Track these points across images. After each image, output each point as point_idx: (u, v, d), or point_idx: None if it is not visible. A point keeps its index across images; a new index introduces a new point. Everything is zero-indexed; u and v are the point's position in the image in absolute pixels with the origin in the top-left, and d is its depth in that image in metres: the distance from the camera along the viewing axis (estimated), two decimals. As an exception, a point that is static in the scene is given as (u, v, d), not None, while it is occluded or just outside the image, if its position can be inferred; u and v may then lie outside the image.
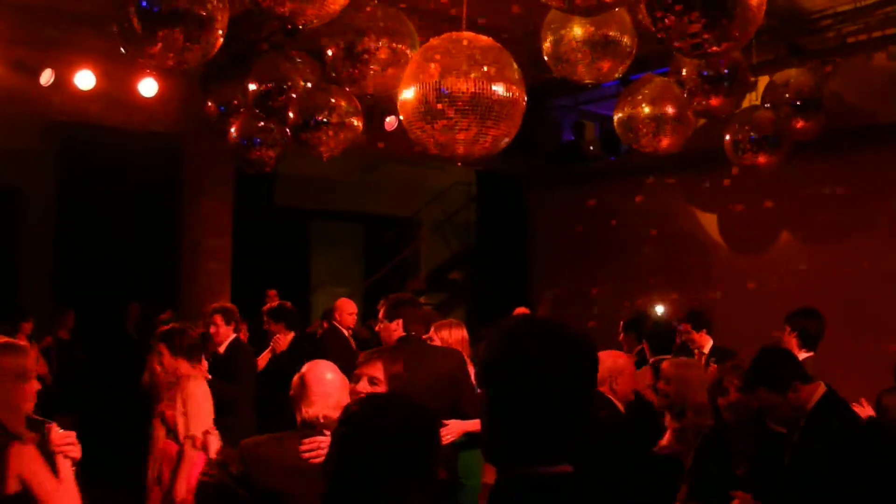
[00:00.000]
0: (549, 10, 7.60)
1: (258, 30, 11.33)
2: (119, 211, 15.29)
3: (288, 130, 9.78)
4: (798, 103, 11.30)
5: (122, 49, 6.55)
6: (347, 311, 11.86)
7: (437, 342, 8.49)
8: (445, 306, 20.28)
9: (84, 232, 15.66)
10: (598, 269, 15.88)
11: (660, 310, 11.83)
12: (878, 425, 6.42)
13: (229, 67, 11.78)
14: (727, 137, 10.96)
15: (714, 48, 6.00)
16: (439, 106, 5.75)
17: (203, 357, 9.61)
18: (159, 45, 6.34)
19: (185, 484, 7.06)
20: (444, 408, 6.64)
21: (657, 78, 9.90)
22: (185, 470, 7.14)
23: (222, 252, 13.95)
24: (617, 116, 9.76)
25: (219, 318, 9.86)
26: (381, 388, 5.48)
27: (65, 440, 5.07)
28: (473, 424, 6.96)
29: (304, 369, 5.19)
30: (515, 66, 5.99)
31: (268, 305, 12.60)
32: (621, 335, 9.81)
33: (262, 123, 10.91)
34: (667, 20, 5.88)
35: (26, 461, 4.77)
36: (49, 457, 4.90)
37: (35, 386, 5.02)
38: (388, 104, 10.28)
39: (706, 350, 10.06)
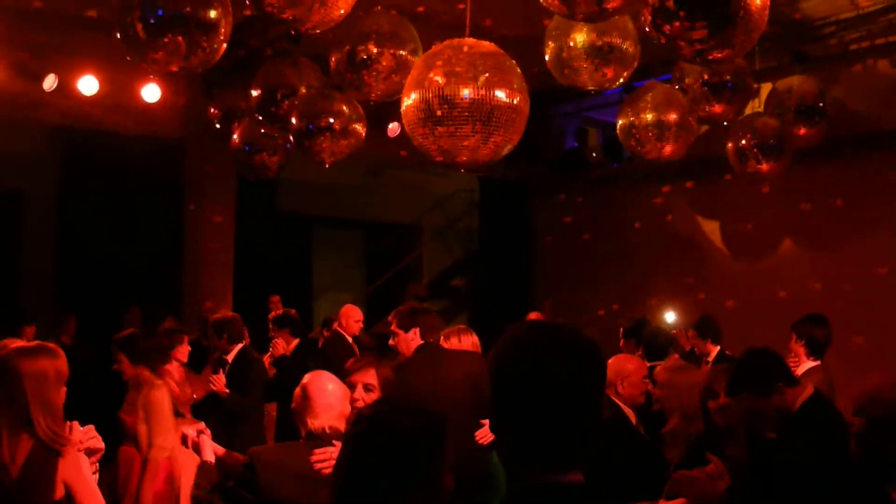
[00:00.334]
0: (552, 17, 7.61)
1: (262, 35, 11.34)
2: (121, 215, 15.27)
3: (290, 136, 9.78)
4: (801, 110, 11.31)
5: (125, 54, 6.55)
6: (354, 318, 11.81)
7: None
8: (448, 313, 20.25)
9: (86, 236, 15.64)
10: (601, 276, 15.87)
11: (662, 316, 11.83)
12: None
13: (232, 73, 11.79)
14: (730, 144, 10.97)
15: (717, 55, 6.00)
16: (441, 112, 5.75)
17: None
18: (163, 50, 6.34)
19: (150, 493, 7.06)
20: (473, 410, 6.59)
21: (660, 85, 9.90)
22: (149, 478, 7.12)
23: (224, 257, 13.95)
24: (620, 123, 9.76)
25: (211, 334, 9.89)
26: (376, 395, 5.49)
27: (87, 436, 5.10)
28: None
29: (304, 381, 5.18)
30: (519, 72, 5.99)
31: (273, 313, 12.63)
32: (622, 341, 9.80)
33: (265, 129, 10.91)
34: (670, 27, 5.88)
35: (71, 467, 4.79)
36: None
37: (64, 390, 5.04)
38: (392, 110, 10.30)
39: (711, 358, 10.09)
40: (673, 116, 9.48)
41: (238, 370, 9.60)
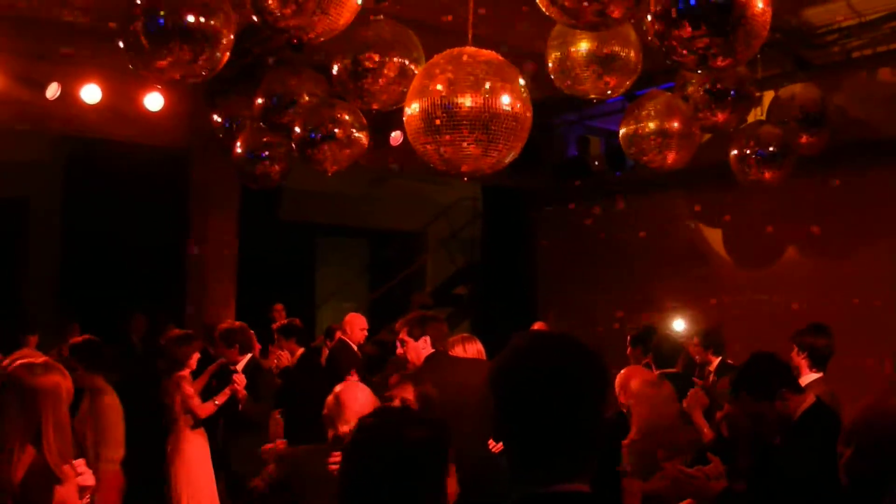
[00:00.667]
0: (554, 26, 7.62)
1: (264, 44, 11.35)
2: (125, 223, 15.29)
3: (293, 145, 9.79)
4: (803, 118, 11.30)
5: (128, 63, 6.56)
6: (359, 326, 11.78)
7: None
8: (451, 321, 20.24)
9: (90, 244, 15.67)
10: (604, 284, 15.87)
11: (669, 325, 11.82)
12: None
13: (235, 82, 11.80)
14: (732, 152, 10.97)
15: (719, 63, 6.00)
16: (444, 121, 5.75)
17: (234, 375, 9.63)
18: (166, 59, 6.35)
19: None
20: (489, 418, 6.55)
21: (662, 93, 9.91)
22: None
23: (228, 266, 13.95)
24: (622, 132, 9.76)
25: (220, 344, 9.89)
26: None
27: (77, 470, 5.05)
28: None
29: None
30: (521, 81, 5.99)
31: (277, 322, 12.63)
32: (629, 349, 9.80)
33: (268, 138, 10.92)
34: (672, 35, 5.88)
35: (68, 501, 4.76)
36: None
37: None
38: (395, 119, 10.31)
39: (712, 367, 10.11)
40: (675, 125, 9.48)
41: (249, 379, 9.58)
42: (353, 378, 9.49)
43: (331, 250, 21.41)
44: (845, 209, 12.64)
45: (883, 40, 11.93)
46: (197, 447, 9.32)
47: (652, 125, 9.48)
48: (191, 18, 6.27)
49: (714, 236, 14.67)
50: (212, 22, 6.35)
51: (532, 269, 17.75)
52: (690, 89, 10.12)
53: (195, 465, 9.27)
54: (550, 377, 2.61)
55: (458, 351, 7.80)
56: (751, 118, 11.00)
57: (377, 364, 9.96)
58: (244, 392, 9.35)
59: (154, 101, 12.39)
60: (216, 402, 9.33)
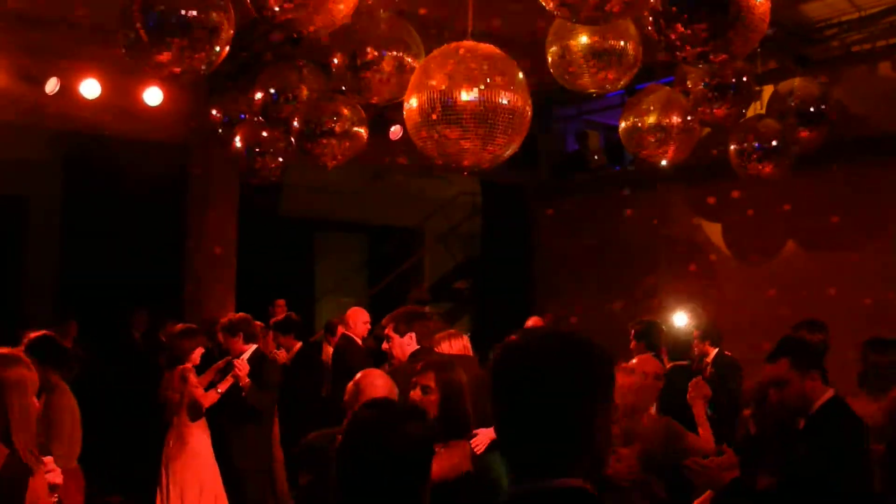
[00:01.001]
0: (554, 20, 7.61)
1: (264, 39, 11.35)
2: (124, 219, 15.29)
3: (292, 140, 9.78)
4: (802, 112, 11.31)
5: (127, 58, 6.56)
6: (361, 319, 11.71)
7: None
8: (449, 316, 20.28)
9: (89, 240, 15.65)
10: (603, 279, 15.87)
11: (675, 318, 11.81)
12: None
13: (235, 77, 11.80)
14: (732, 147, 10.97)
15: (718, 57, 6.01)
16: (443, 115, 5.75)
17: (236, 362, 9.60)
18: (165, 54, 6.35)
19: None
20: (475, 418, 6.55)
21: (662, 87, 9.91)
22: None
23: (227, 261, 13.95)
24: (622, 126, 9.76)
25: (224, 335, 9.87)
26: (434, 397, 5.55)
27: (46, 468, 5.00)
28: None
29: (358, 377, 5.67)
30: (521, 75, 5.99)
31: (274, 318, 12.62)
32: (633, 343, 9.79)
33: (267, 133, 10.92)
34: (671, 29, 5.89)
35: (40, 492, 4.73)
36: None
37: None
38: (394, 113, 10.31)
39: (709, 359, 10.16)
40: (675, 119, 9.48)
41: (254, 369, 9.56)
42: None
43: (330, 245, 21.40)
44: (845, 203, 12.65)
45: (882, 35, 11.96)
46: (200, 440, 9.31)
47: (651, 119, 9.49)
48: (190, 13, 6.27)
49: (713, 230, 14.68)
50: (211, 16, 6.35)
51: (530, 264, 17.76)
52: (690, 84, 10.12)
53: (200, 457, 9.26)
54: (550, 377, 2.62)
55: (444, 347, 7.76)
56: (750, 113, 11.00)
57: (378, 357, 9.95)
58: (247, 380, 9.32)
59: (153, 96, 12.38)
60: (219, 391, 9.32)
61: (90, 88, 11.86)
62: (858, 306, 11.92)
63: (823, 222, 12.92)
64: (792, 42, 11.99)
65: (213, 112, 12.18)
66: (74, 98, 11.88)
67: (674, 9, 5.82)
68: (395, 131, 13.16)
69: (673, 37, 5.94)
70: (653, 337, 9.45)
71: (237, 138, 11.25)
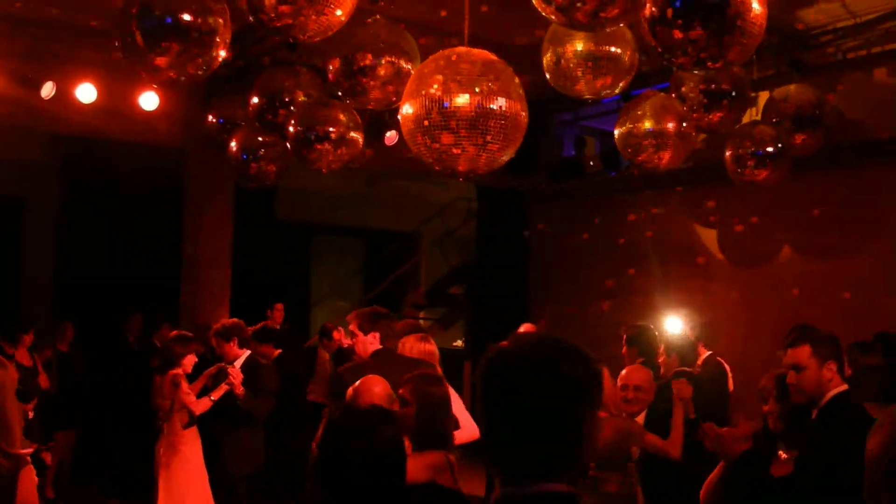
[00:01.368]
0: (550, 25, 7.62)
1: (260, 44, 11.35)
2: (121, 222, 15.32)
3: (288, 145, 9.78)
4: (798, 119, 11.32)
5: (124, 62, 6.56)
6: None
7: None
8: (445, 320, 20.31)
9: (85, 243, 15.68)
10: (599, 284, 15.87)
11: (665, 323, 11.82)
12: None
13: (231, 81, 11.80)
14: (728, 153, 10.97)
15: (715, 64, 6.02)
16: (439, 121, 5.75)
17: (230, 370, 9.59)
18: (161, 58, 6.35)
19: None
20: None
21: (658, 93, 9.91)
22: None
23: (223, 265, 13.94)
24: (618, 132, 9.76)
25: (218, 340, 9.85)
26: (411, 409, 5.66)
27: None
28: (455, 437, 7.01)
29: (357, 384, 5.88)
30: (517, 81, 5.99)
31: (271, 322, 12.62)
32: (624, 348, 9.79)
33: (263, 137, 10.92)
34: (667, 36, 5.90)
35: (28, 484, 4.77)
36: None
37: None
38: (390, 118, 10.31)
39: (700, 361, 10.22)
40: (671, 125, 9.47)
41: (248, 376, 9.56)
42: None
43: (326, 250, 21.44)
44: (841, 209, 12.65)
45: (878, 41, 11.96)
46: (191, 446, 9.30)
47: (647, 125, 9.48)
48: (187, 17, 6.27)
49: (709, 236, 14.68)
50: (208, 21, 6.35)
51: (527, 269, 17.75)
52: (685, 90, 10.13)
53: (191, 464, 9.25)
54: (536, 379, 2.63)
55: (405, 350, 7.84)
56: (746, 118, 11.01)
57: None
58: (241, 388, 9.32)
59: (149, 100, 12.38)
60: (212, 398, 9.31)
61: (86, 92, 11.86)
62: (853, 312, 11.92)
63: (819, 228, 12.93)
64: (788, 48, 11.99)
65: (210, 116, 12.18)
66: (70, 102, 11.88)
67: (670, 15, 5.82)
68: (391, 137, 13.17)
69: (669, 43, 5.95)
70: (645, 342, 9.44)
71: (233, 143, 11.25)
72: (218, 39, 6.42)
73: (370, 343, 7.38)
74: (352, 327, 7.50)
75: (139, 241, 15.25)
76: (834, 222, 12.72)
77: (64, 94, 11.81)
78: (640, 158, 9.71)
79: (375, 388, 5.76)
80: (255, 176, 11.25)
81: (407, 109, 5.97)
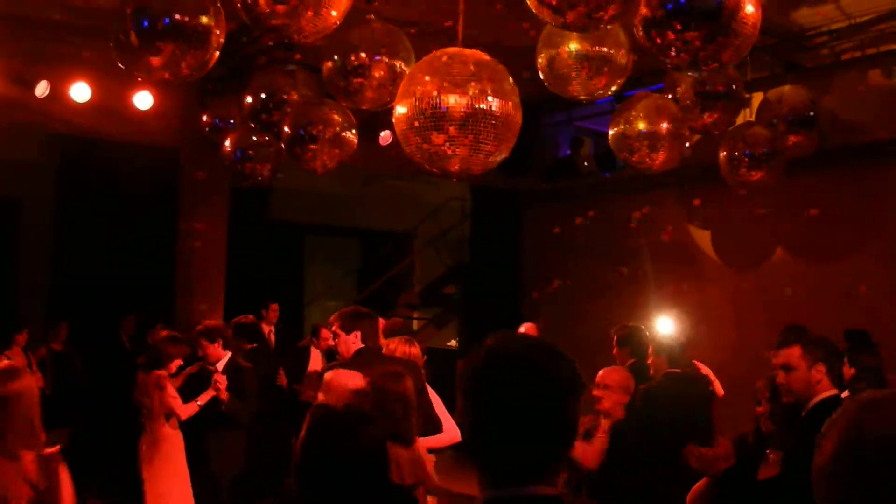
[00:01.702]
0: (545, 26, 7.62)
1: (255, 44, 11.35)
2: (116, 222, 15.31)
3: (283, 145, 9.78)
4: (792, 120, 11.34)
5: (118, 62, 6.55)
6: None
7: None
8: (439, 320, 20.31)
9: (81, 243, 15.67)
10: (592, 285, 15.88)
11: (663, 324, 11.80)
12: None
13: (226, 81, 11.80)
14: (722, 154, 10.99)
15: (709, 65, 6.02)
16: (433, 121, 5.75)
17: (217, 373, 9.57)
18: (156, 58, 6.34)
19: None
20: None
21: (652, 94, 9.91)
22: None
23: (217, 265, 13.92)
24: (612, 133, 9.76)
25: (203, 341, 9.80)
26: (367, 403, 5.66)
27: None
28: (437, 440, 7.03)
29: (328, 376, 6.13)
30: (511, 81, 5.99)
31: (266, 321, 12.61)
32: (615, 350, 9.77)
33: (257, 137, 10.92)
34: (662, 37, 5.90)
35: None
36: None
37: None
38: (384, 119, 10.31)
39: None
40: (664, 126, 9.47)
41: (231, 379, 9.55)
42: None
43: (320, 250, 21.44)
44: (835, 210, 12.67)
45: (872, 42, 11.97)
46: (174, 445, 9.28)
47: (641, 126, 9.49)
48: (181, 18, 6.27)
49: (703, 237, 14.70)
50: (203, 21, 6.34)
51: (520, 269, 17.77)
52: (680, 90, 10.13)
53: (173, 462, 9.23)
54: (525, 379, 2.62)
55: (390, 351, 7.88)
56: (740, 120, 11.02)
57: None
58: (226, 394, 9.32)
59: (144, 99, 12.36)
60: (199, 403, 9.30)
61: (80, 92, 11.84)
62: (847, 312, 11.93)
63: (812, 229, 12.95)
64: (782, 49, 12.01)
65: (204, 116, 12.18)
66: (65, 101, 11.87)
67: (665, 16, 5.83)
68: (385, 137, 13.18)
69: (663, 44, 5.96)
70: (637, 343, 9.41)
71: (227, 142, 11.25)
72: (212, 40, 6.42)
73: (352, 342, 7.40)
74: (334, 328, 7.53)
75: (135, 240, 15.25)
76: (827, 223, 12.74)
77: (58, 94, 11.80)
78: (634, 159, 9.71)
79: (349, 384, 5.82)
80: (250, 175, 11.25)
81: (400, 110, 5.98)
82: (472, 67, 5.84)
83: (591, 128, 16.99)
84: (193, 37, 6.32)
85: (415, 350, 8.04)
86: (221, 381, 9.30)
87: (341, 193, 18.89)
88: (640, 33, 6.13)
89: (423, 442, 6.70)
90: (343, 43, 7.75)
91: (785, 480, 5.42)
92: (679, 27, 5.81)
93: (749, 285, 13.77)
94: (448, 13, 6.68)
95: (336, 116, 9.38)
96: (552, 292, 16.39)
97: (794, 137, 11.38)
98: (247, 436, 9.77)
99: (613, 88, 8.05)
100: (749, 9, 5.78)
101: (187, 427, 9.37)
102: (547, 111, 15.33)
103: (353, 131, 9.53)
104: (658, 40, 5.96)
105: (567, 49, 7.73)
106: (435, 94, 5.75)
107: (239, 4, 5.90)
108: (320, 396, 6.13)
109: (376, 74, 7.76)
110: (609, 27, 6.23)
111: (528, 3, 5.76)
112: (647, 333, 9.79)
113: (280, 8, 5.75)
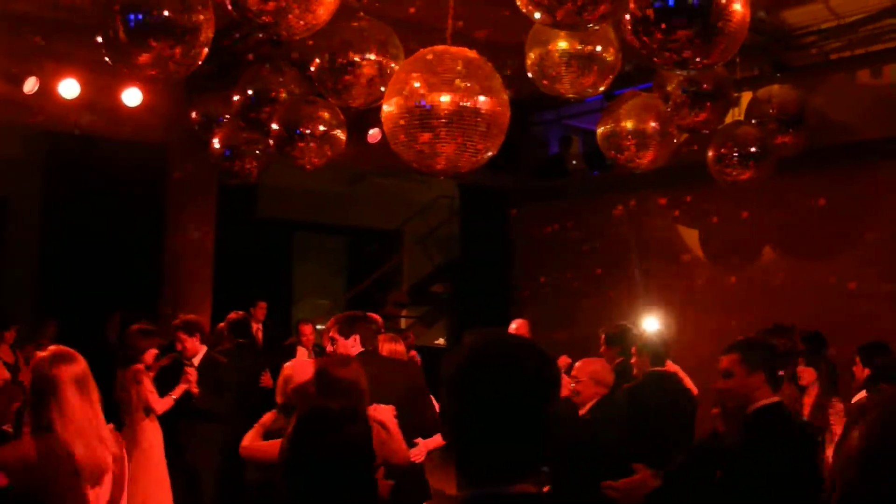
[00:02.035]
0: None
1: (244, 41, 11.33)
2: (103, 220, 15.26)
3: (271, 142, 9.77)
4: (781, 119, 11.36)
5: (106, 59, 6.54)
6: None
7: None
8: (427, 318, 20.30)
9: (69, 240, 15.64)
10: (581, 283, 15.89)
11: (645, 323, 11.82)
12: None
13: (215, 78, 11.78)
14: (710, 153, 10.99)
15: (697, 64, 6.03)
16: (421, 119, 5.75)
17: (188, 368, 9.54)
18: (144, 55, 6.33)
19: None
20: (412, 424, 6.57)
21: (640, 93, 9.92)
22: None
23: (204, 262, 13.91)
24: (600, 131, 9.76)
25: (181, 334, 9.78)
26: (311, 389, 5.72)
27: None
28: (437, 440, 7.01)
29: (287, 367, 6.37)
30: (499, 79, 5.99)
31: (255, 321, 12.59)
32: (602, 348, 9.76)
33: (246, 134, 10.90)
34: (650, 36, 5.90)
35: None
36: None
37: None
38: (373, 116, 10.28)
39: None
40: (653, 124, 9.48)
41: (207, 373, 9.54)
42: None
43: (308, 247, 21.41)
44: (823, 209, 12.70)
45: (861, 43, 11.99)
46: (152, 440, 9.27)
47: (629, 125, 9.49)
48: (170, 14, 6.26)
49: (692, 235, 14.71)
50: (191, 18, 6.33)
51: (509, 268, 17.77)
52: (669, 89, 10.13)
53: (152, 455, 9.22)
54: (506, 377, 2.62)
55: (384, 350, 7.88)
56: (729, 119, 11.02)
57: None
58: (196, 387, 9.30)
59: (132, 96, 12.33)
60: (173, 397, 9.30)
61: (69, 88, 11.81)
62: (836, 310, 11.96)
63: (801, 228, 12.98)
64: (771, 49, 12.03)
65: (193, 113, 12.15)
66: (53, 98, 11.84)
67: (653, 15, 5.83)
68: (374, 135, 13.17)
69: (650, 42, 5.96)
70: (624, 341, 9.40)
71: (216, 140, 11.23)
72: (201, 37, 6.40)
73: (352, 347, 7.35)
74: (332, 333, 7.48)
75: (122, 237, 15.21)
76: (816, 222, 12.77)
77: (47, 90, 11.77)
78: (622, 158, 9.72)
79: (304, 377, 5.87)
80: (238, 173, 11.24)
81: (388, 108, 5.97)
82: (460, 65, 5.84)
83: (579, 126, 17.01)
84: (182, 33, 6.31)
85: (399, 347, 8.05)
86: (192, 374, 9.31)
87: (330, 191, 18.88)
88: (628, 32, 6.13)
89: (424, 443, 6.71)
90: (333, 40, 7.74)
91: (724, 481, 5.47)
92: (668, 26, 5.82)
93: (737, 284, 13.79)
94: (438, 10, 6.68)
95: (325, 114, 9.36)
96: (541, 290, 16.41)
97: (782, 137, 11.39)
98: (231, 430, 9.76)
99: (602, 87, 8.06)
100: (737, 8, 5.78)
101: (162, 420, 9.36)
102: (536, 109, 15.33)
103: (342, 129, 9.52)
104: (645, 39, 5.97)
105: (556, 48, 7.74)
106: (422, 92, 5.75)
107: (228, 1, 5.90)
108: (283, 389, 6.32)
109: (365, 72, 7.75)
110: (597, 25, 6.24)
111: (518, 2, 5.77)
112: (636, 332, 9.78)
113: (270, 5, 5.75)
